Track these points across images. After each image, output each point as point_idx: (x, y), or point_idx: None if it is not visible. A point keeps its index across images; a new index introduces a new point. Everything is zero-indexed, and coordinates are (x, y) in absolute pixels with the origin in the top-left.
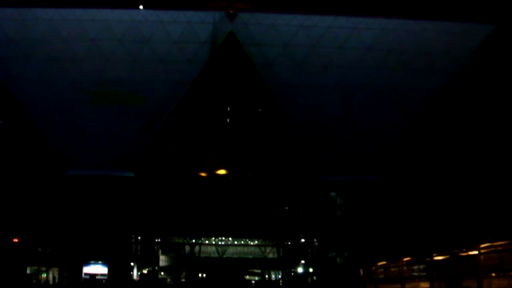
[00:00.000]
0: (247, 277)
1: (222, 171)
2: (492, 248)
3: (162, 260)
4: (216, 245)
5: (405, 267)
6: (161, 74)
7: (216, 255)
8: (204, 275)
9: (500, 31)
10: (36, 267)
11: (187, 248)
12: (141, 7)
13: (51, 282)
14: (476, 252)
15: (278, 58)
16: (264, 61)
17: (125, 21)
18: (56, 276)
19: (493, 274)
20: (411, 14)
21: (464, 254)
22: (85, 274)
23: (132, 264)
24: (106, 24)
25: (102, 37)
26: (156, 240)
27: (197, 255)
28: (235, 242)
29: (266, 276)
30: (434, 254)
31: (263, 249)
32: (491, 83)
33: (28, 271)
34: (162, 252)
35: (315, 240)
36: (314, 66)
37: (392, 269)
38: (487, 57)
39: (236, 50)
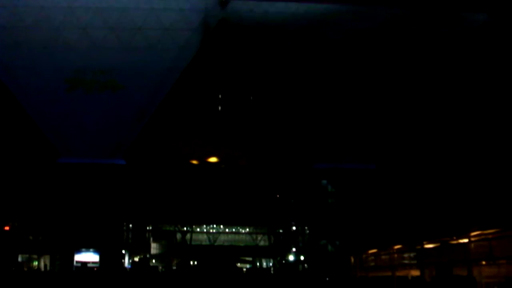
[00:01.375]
0: (238, 264)
1: (213, 159)
2: (483, 236)
3: (154, 248)
4: (208, 232)
5: (396, 255)
6: (153, 61)
7: (208, 242)
8: (196, 262)
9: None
10: (27, 255)
11: (179, 235)
12: None
13: (42, 270)
14: (466, 240)
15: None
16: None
17: (116, 9)
18: (48, 264)
19: (484, 262)
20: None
21: (455, 242)
22: (77, 262)
23: (123, 252)
24: (98, 11)
25: (93, 25)
26: (148, 228)
27: (188, 243)
28: (227, 230)
29: (258, 263)
30: (424, 242)
31: (254, 237)
32: (486, 78)
33: (19, 259)
34: (153, 240)
35: (306, 228)
36: (305, 52)
37: (383, 257)
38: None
39: (227, 37)
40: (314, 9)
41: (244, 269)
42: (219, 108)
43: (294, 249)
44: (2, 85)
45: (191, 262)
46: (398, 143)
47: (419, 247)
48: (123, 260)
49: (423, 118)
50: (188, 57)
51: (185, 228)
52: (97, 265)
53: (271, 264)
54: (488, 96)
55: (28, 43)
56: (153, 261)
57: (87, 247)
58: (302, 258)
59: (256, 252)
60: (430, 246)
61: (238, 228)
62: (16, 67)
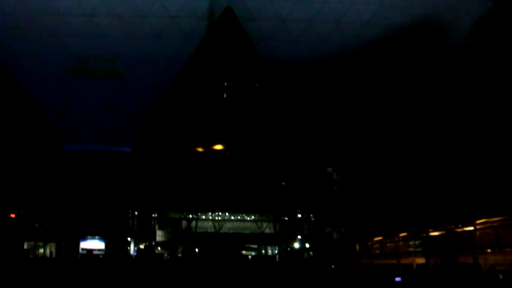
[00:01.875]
0: (244, 252)
1: (219, 147)
2: (488, 224)
3: (159, 235)
4: (213, 220)
5: (401, 243)
6: (158, 49)
7: (213, 230)
8: (201, 250)
9: (498, 7)
10: (33, 243)
11: (184, 223)
12: None
13: (48, 257)
14: (472, 228)
15: (275, 33)
16: (261, 36)
17: None
18: (53, 251)
19: (489, 250)
20: None
21: (460, 230)
22: (82, 249)
23: (129, 239)
24: None
25: (99, 12)
26: (153, 215)
27: (193, 230)
28: (232, 218)
29: (263, 251)
30: (430, 230)
31: (259, 224)
32: (489, 59)
33: (25, 246)
34: (158, 227)
35: (311, 215)
36: (311, 41)
37: (388, 245)
38: (486, 33)
39: (233, 25)
40: None
41: (249, 257)
42: (224, 95)
43: (299, 237)
44: (7, 72)
45: (196, 250)
46: (403, 132)
47: (424, 235)
48: (128, 248)
49: (426, 106)
50: (193, 45)
51: (190, 216)
52: (102, 252)
53: (276, 252)
54: (496, 83)
55: (33, 29)
56: (159, 248)
57: (92, 234)
58: (307, 245)
59: (261, 239)
60: (436, 234)
61: (243, 215)
62: (22, 54)
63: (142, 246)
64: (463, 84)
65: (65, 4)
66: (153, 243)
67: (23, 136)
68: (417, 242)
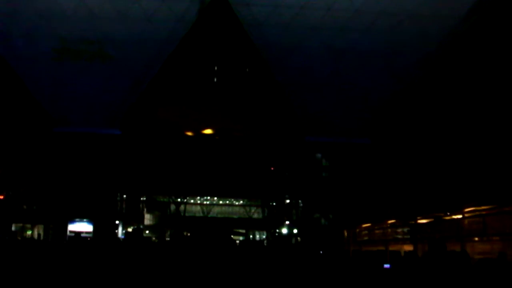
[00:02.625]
0: (232, 237)
1: (208, 131)
2: (476, 213)
3: (147, 219)
4: (201, 204)
5: (389, 230)
6: (149, 32)
7: (201, 214)
8: (189, 234)
9: None
10: (21, 224)
11: (172, 207)
12: None
13: (36, 239)
14: (460, 216)
15: (267, 18)
16: (252, 21)
17: None
18: (41, 233)
19: (476, 238)
20: None
21: (448, 218)
22: (70, 231)
23: (117, 222)
24: None
25: None
26: (142, 198)
27: (182, 214)
28: (220, 202)
29: (251, 236)
30: (418, 217)
31: (248, 209)
32: (480, 49)
33: (13, 228)
34: (147, 210)
35: (300, 201)
36: (302, 27)
37: (377, 231)
38: (476, 22)
39: (224, 9)
40: None
41: (237, 241)
42: (215, 79)
43: (287, 222)
44: None
45: (185, 233)
46: (393, 118)
47: (412, 222)
48: (116, 231)
49: (416, 94)
50: (184, 28)
51: (178, 200)
52: (90, 235)
53: (264, 237)
54: (485, 72)
55: (24, 11)
56: (147, 232)
57: (81, 217)
58: (295, 231)
59: (250, 224)
60: (424, 221)
61: (232, 200)
62: (12, 36)
63: (130, 230)
64: (454, 71)
65: None
66: (141, 227)
67: (13, 117)
68: (405, 230)
